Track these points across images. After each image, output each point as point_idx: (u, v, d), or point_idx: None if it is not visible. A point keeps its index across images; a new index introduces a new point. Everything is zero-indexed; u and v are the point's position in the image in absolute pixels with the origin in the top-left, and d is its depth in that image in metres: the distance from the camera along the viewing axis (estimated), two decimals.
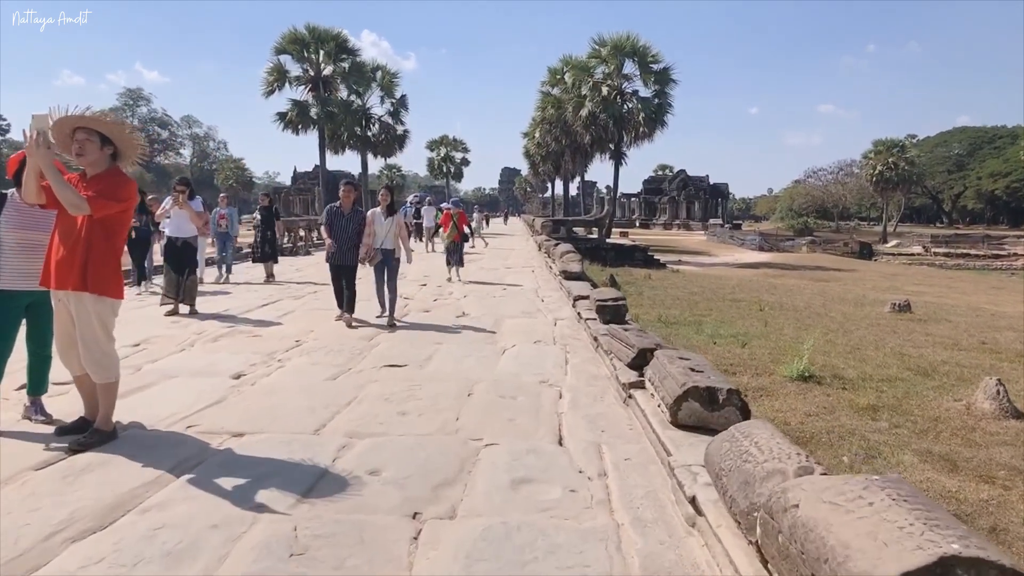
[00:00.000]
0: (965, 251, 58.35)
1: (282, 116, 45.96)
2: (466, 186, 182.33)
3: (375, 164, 65.20)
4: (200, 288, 12.48)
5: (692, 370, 4.72)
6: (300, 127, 46.06)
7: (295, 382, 6.48)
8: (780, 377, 8.81)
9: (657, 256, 35.15)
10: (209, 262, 16.39)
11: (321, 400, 5.86)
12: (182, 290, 10.42)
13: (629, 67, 40.94)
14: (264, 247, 15.99)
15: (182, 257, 10.67)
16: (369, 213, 9.87)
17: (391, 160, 76.16)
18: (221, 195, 16.89)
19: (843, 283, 31.28)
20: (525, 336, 8.98)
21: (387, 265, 9.99)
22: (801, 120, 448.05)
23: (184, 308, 10.44)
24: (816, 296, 22.45)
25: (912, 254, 57.68)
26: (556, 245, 18.84)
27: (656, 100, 40.27)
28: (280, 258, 22.54)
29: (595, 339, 7.87)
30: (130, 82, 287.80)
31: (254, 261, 16.67)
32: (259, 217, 16.66)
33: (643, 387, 5.58)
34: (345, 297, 9.84)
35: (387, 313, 9.91)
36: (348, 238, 9.67)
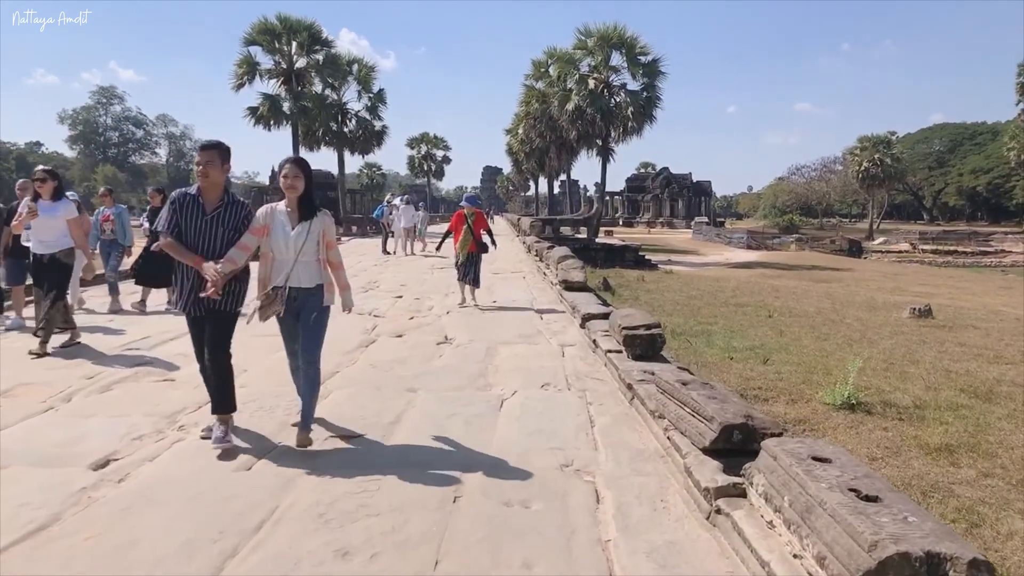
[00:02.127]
0: (953, 248, 57.63)
1: (253, 111, 43.64)
2: (447, 185, 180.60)
3: (353, 162, 63.00)
4: (86, 316, 9.97)
5: (866, 498, 2.61)
6: (272, 122, 43.79)
7: (186, 476, 4.23)
8: (821, 405, 7.63)
9: (648, 256, 33.57)
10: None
11: (215, 522, 3.62)
12: (43, 321, 7.75)
13: (616, 59, 38.96)
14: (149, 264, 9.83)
15: (48, 277, 7.89)
16: (260, 212, 5.03)
17: (370, 158, 74.14)
18: (102, 189, 12.18)
19: (845, 284, 29.87)
20: (528, 375, 6.78)
21: (302, 318, 5.00)
22: (778, 119, 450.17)
23: (58, 343, 7.90)
24: (823, 299, 21.10)
25: (900, 251, 57.02)
26: (550, 248, 16.67)
27: (645, 93, 38.41)
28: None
29: (627, 386, 5.70)
30: (105, 81, 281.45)
31: (136, 282, 10.30)
32: (147, 224, 12.13)
33: (741, 495, 3.47)
34: (212, 383, 5.03)
35: (300, 417, 4.97)
36: (214, 251, 4.87)
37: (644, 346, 6.40)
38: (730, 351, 10.53)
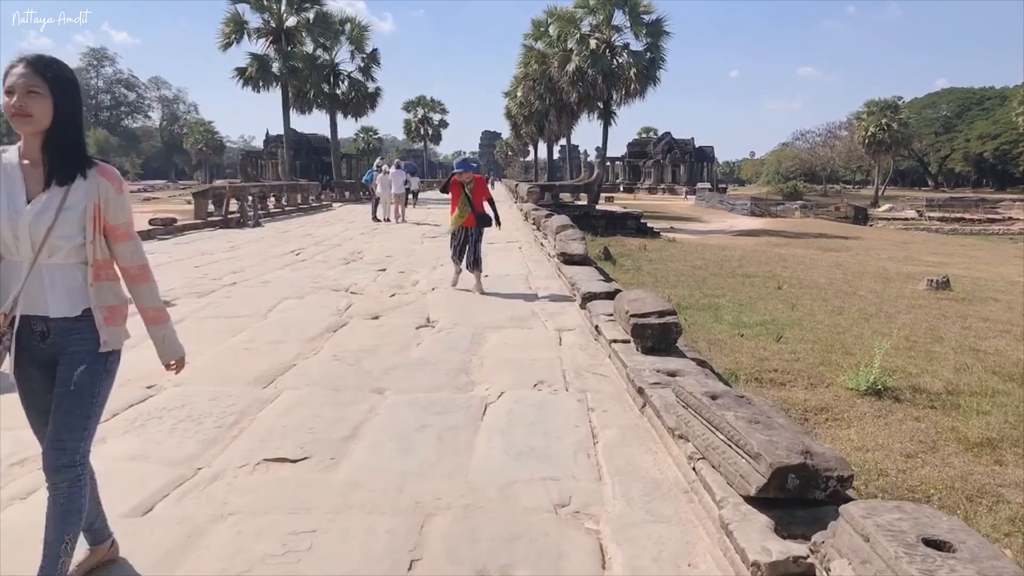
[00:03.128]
0: (959, 215, 56.58)
1: (241, 72, 42.33)
2: (445, 150, 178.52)
3: (348, 127, 61.87)
4: None
5: None
6: (261, 84, 42.45)
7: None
8: (844, 390, 7.23)
9: (650, 224, 32.56)
10: None
11: None
12: None
13: (619, 18, 37.71)
14: None
15: None
16: None
17: (365, 122, 72.53)
18: None
19: (854, 253, 29.13)
20: (519, 371, 5.72)
21: (59, 374, 2.48)
22: (782, 83, 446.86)
23: None
24: (834, 270, 20.42)
25: (906, 219, 56.10)
26: (548, 216, 15.48)
27: (648, 54, 37.20)
28: (224, 230, 19.59)
29: (638, 390, 4.66)
30: (98, 43, 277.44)
31: None
32: None
33: (807, 569, 2.48)
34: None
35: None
36: None
37: (656, 337, 5.36)
38: (740, 327, 10.06)
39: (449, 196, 9.72)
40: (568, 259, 10.34)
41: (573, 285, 8.73)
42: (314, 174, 52.69)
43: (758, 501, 2.86)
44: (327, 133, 50.22)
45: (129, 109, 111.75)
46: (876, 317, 12.02)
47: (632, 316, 5.43)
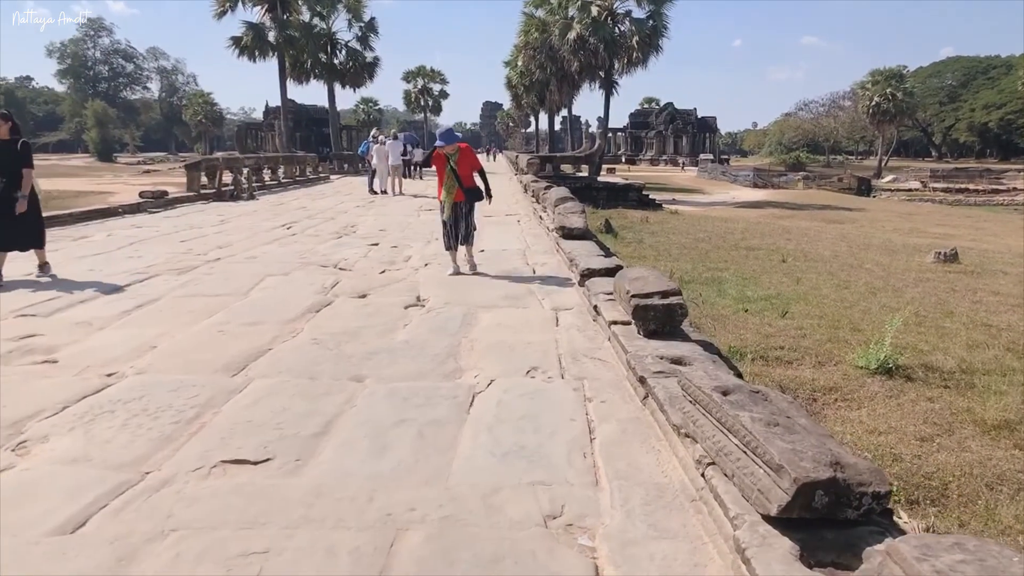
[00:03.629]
0: (964, 186, 56.09)
1: (236, 41, 41.61)
2: (446, 120, 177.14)
3: (347, 98, 61.11)
4: None
5: None
6: (258, 53, 41.70)
7: None
8: (853, 369, 6.94)
9: (652, 196, 32.05)
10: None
11: None
12: None
13: None
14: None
15: None
16: None
17: (365, 93, 71.73)
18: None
19: (859, 225, 28.74)
20: (511, 355, 5.30)
21: None
22: (785, 53, 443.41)
23: None
24: (839, 242, 20.02)
25: (910, 189, 55.62)
26: (547, 189, 14.96)
27: (651, 22, 36.37)
28: (217, 203, 19.09)
29: (640, 379, 4.24)
30: (96, 14, 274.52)
31: None
32: None
33: None
34: None
35: None
36: None
37: (659, 320, 4.92)
38: (744, 302, 9.79)
39: (435, 169, 8.93)
40: (567, 233, 9.88)
41: (572, 261, 8.30)
42: (314, 145, 52.17)
43: (780, 521, 2.45)
44: (318, 101, 49.54)
45: (127, 80, 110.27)
46: (883, 291, 11.71)
47: (633, 297, 4.99)
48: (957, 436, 5.67)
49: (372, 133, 22.61)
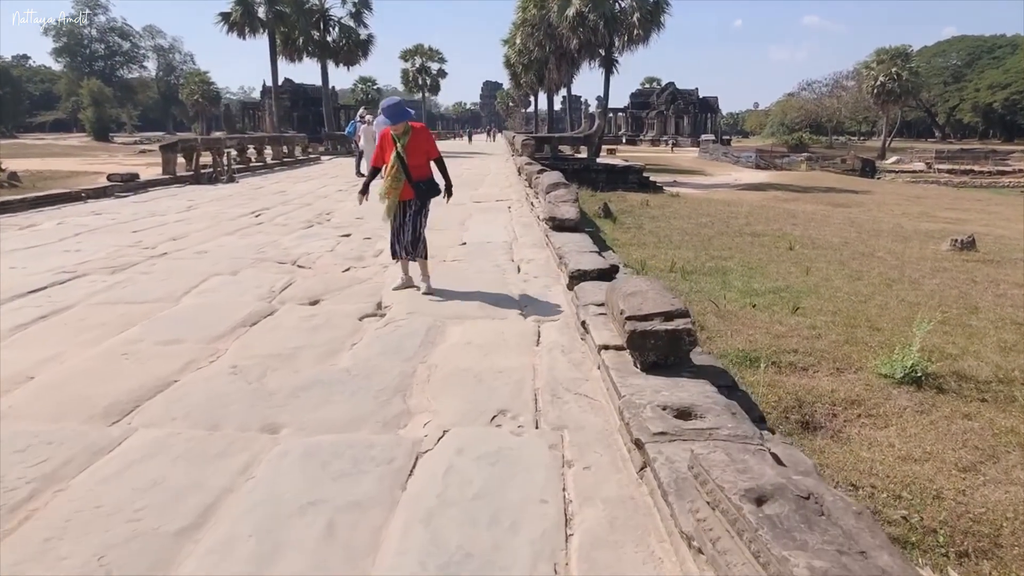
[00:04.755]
0: (969, 167, 55.06)
1: (225, 17, 40.40)
2: (445, 100, 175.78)
3: (343, 77, 59.73)
4: None
5: None
6: (248, 29, 40.54)
7: None
8: (876, 377, 6.20)
9: (652, 177, 31.07)
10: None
11: None
12: None
13: None
14: None
15: None
16: None
17: (364, 72, 70.16)
18: None
19: (866, 208, 27.83)
20: (476, 391, 4.23)
21: None
22: (786, 33, 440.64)
23: None
24: (847, 227, 19.16)
25: (915, 171, 54.73)
26: (540, 173, 13.81)
27: None
28: (194, 187, 17.96)
29: (636, 442, 3.15)
30: None
31: None
32: None
33: None
34: None
35: None
36: None
37: (662, 349, 3.85)
38: (751, 295, 9.17)
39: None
40: (558, 225, 8.75)
41: (561, 259, 7.22)
42: (311, 125, 51.23)
43: None
44: (311, 80, 48.48)
45: (124, 59, 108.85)
46: (899, 283, 10.92)
47: (629, 319, 3.92)
48: (1003, 464, 4.88)
49: (359, 112, 21.35)
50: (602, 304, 5.14)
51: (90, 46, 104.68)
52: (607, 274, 6.02)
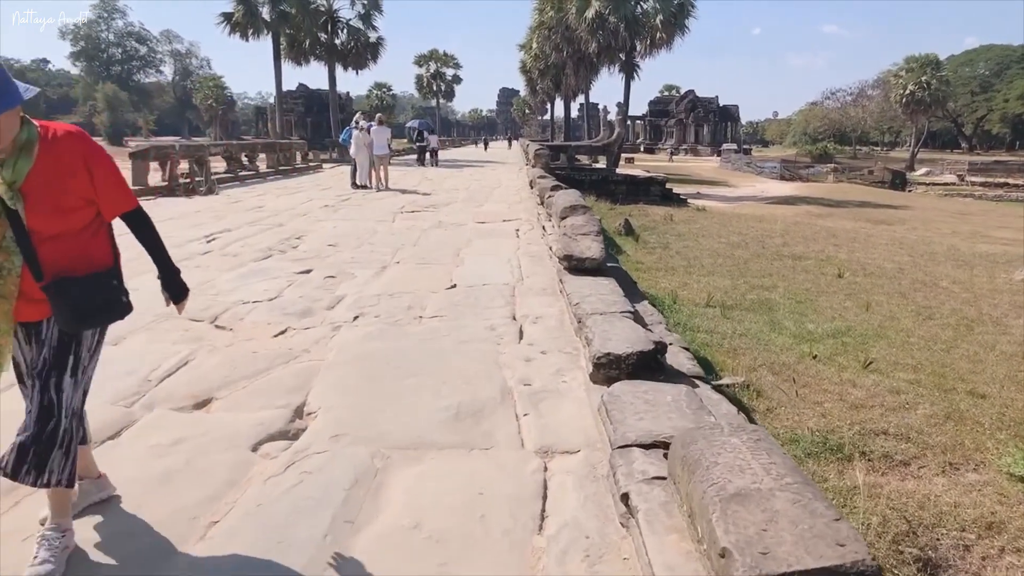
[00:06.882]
0: (1003, 180, 52.59)
1: (227, 16, 38.81)
2: (461, 107, 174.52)
3: (358, 82, 58.09)
4: None
5: None
6: (250, 30, 38.90)
7: None
8: (1006, 480, 4.46)
9: (675, 189, 29.29)
10: None
11: None
12: None
13: None
14: None
15: None
16: None
17: (373, 76, 68.46)
18: None
19: (910, 226, 25.88)
20: None
21: None
22: (805, 41, 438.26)
23: None
24: (896, 249, 17.21)
25: (946, 183, 52.41)
26: (553, 190, 11.59)
27: None
28: (168, 199, 16.02)
29: None
30: None
31: None
32: None
33: None
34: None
35: None
36: None
37: None
38: (807, 340, 7.57)
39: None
40: (575, 266, 6.58)
41: (580, 324, 5.06)
42: (325, 131, 49.89)
43: None
44: (318, 85, 46.85)
45: (140, 64, 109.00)
46: (980, 323, 9.14)
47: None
48: None
49: (355, 118, 19.45)
50: (652, 447, 3.13)
51: (107, 50, 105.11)
52: (651, 360, 3.98)
